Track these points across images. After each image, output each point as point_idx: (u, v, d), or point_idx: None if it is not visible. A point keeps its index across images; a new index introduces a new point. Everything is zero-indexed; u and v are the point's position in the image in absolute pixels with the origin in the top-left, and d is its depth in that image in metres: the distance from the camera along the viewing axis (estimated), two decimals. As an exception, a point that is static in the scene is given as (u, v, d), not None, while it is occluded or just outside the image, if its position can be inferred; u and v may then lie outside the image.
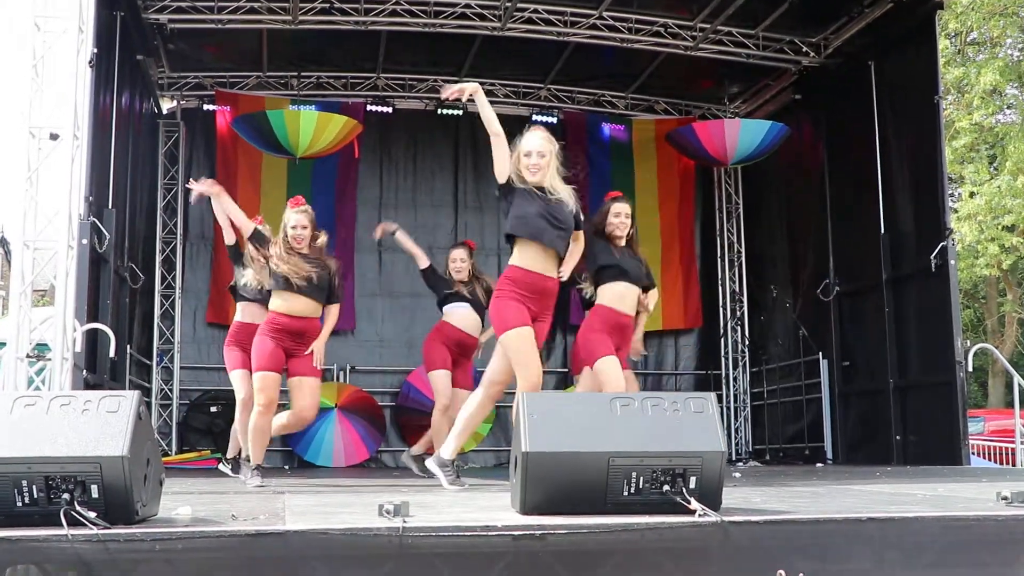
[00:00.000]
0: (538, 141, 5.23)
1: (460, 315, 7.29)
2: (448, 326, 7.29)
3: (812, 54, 10.78)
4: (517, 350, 5.05)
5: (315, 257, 6.07)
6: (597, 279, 6.08)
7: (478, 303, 7.27)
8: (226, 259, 11.18)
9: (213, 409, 10.99)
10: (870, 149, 9.78)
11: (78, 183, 6.99)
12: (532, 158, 5.17)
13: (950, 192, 16.14)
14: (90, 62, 7.11)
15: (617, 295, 6.01)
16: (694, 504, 3.14)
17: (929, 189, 9.05)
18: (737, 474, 6.92)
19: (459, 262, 7.35)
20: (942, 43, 17.09)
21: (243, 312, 7.09)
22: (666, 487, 3.24)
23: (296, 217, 6.04)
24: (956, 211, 18.49)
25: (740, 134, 10.27)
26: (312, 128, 9.74)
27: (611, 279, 6.03)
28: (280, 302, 6.00)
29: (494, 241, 11.82)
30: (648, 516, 3.11)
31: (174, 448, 10.91)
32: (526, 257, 5.14)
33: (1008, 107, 20.73)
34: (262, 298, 6.72)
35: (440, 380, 7.21)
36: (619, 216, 6.15)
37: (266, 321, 6.06)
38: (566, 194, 5.25)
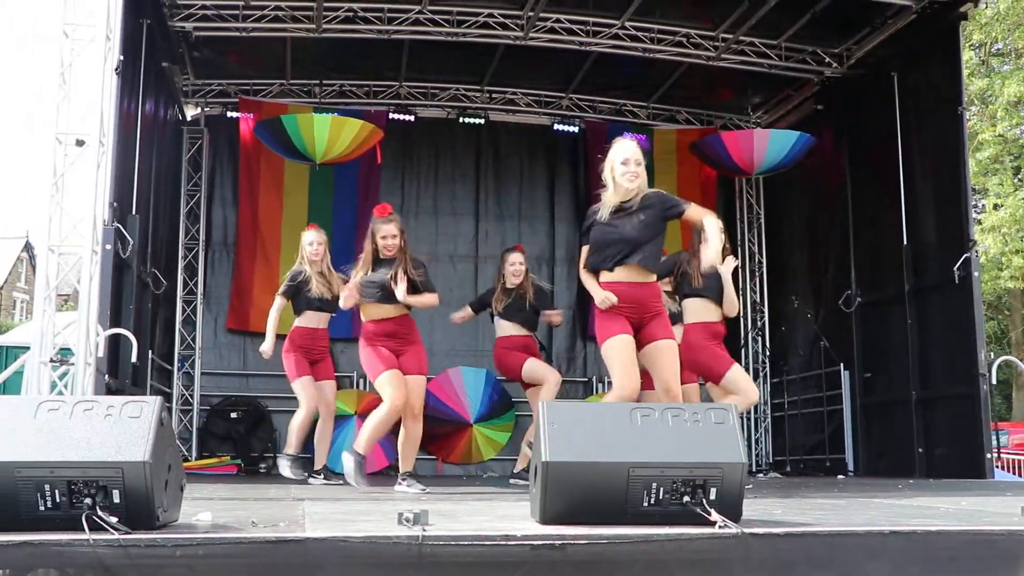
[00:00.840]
0: (633, 148, 5.29)
1: (509, 326, 7.67)
2: (505, 339, 7.67)
3: (834, 65, 10.74)
4: (611, 360, 5.21)
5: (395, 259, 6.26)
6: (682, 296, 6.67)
7: (524, 307, 7.62)
8: (248, 265, 11.32)
9: (233, 415, 11.04)
10: (892, 160, 9.73)
11: (103, 189, 7.04)
12: (630, 166, 5.21)
13: (974, 204, 16.02)
14: (116, 69, 7.17)
15: (701, 309, 6.61)
16: (714, 516, 3.13)
17: (952, 200, 8.99)
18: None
19: (518, 265, 7.67)
20: (966, 54, 17.03)
21: (307, 319, 7.37)
22: (686, 498, 3.23)
23: (387, 227, 6.15)
24: (980, 223, 18.37)
25: (768, 144, 10.22)
26: (326, 132, 9.75)
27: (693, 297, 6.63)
28: (372, 311, 6.23)
29: (515, 250, 11.84)
30: (668, 527, 3.10)
31: (194, 454, 10.96)
32: (619, 273, 5.24)
33: (1033, 118, 20.58)
34: (327, 307, 7.24)
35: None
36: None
37: (365, 333, 6.28)
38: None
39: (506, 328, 7.67)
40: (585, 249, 5.35)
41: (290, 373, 7.41)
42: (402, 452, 6.43)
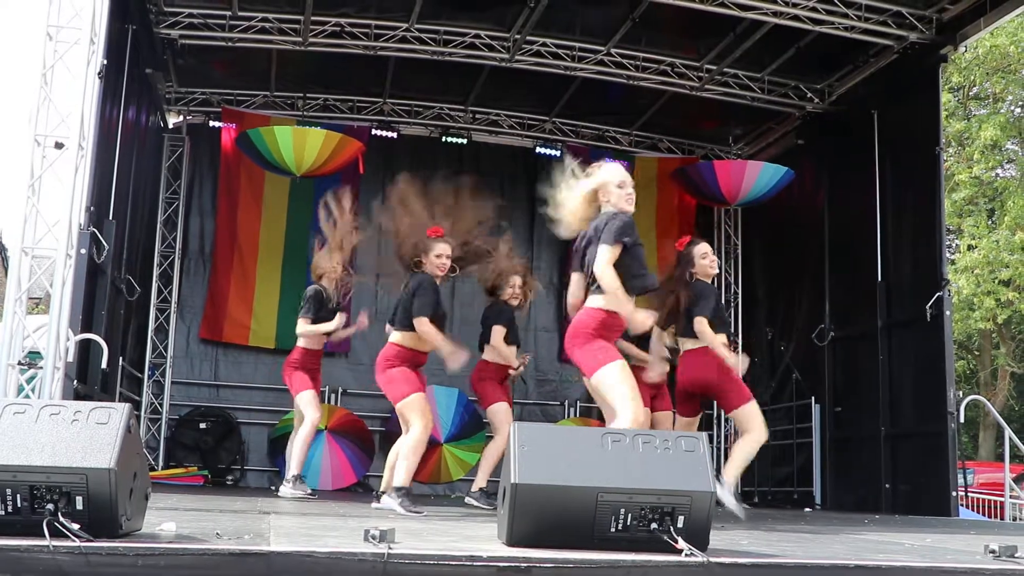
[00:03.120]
0: (624, 172, 5.15)
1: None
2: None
3: (816, 100, 10.86)
4: (622, 383, 4.88)
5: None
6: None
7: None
8: (224, 276, 11.26)
9: (202, 426, 10.95)
10: (870, 197, 9.83)
11: (80, 193, 6.98)
12: (626, 188, 5.10)
13: (948, 244, 16.21)
14: (99, 73, 7.13)
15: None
16: (681, 544, 3.13)
17: (927, 239, 9.09)
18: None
19: (517, 288, 7.41)
20: (945, 96, 17.24)
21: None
22: (654, 525, 3.23)
23: (443, 246, 6.09)
24: (954, 263, 18.56)
25: (758, 177, 10.29)
26: (290, 143, 9.67)
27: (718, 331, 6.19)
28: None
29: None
30: (634, 553, 3.10)
31: (161, 463, 10.85)
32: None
33: (1008, 162, 20.86)
34: None
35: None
36: (706, 257, 6.32)
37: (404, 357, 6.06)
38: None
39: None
40: (613, 255, 4.86)
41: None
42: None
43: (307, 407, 7.56)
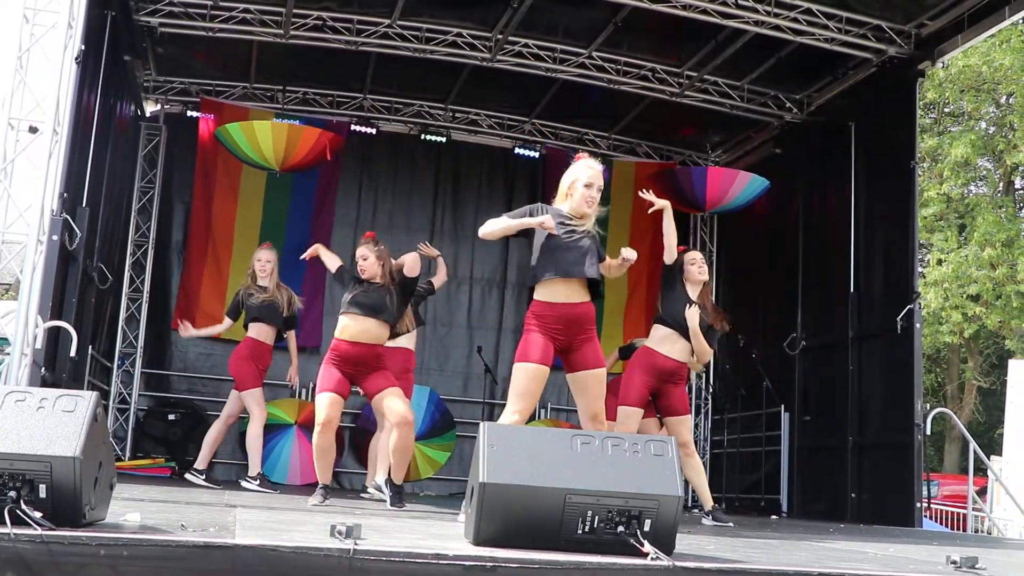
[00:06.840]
0: (599, 174, 5.31)
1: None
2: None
3: (795, 110, 10.93)
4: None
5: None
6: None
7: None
8: (197, 267, 11.19)
9: (171, 417, 10.86)
10: (844, 208, 9.90)
11: (54, 178, 6.92)
12: (592, 190, 5.24)
13: (919, 257, 16.34)
14: (77, 58, 7.06)
15: (658, 338, 6.74)
16: (647, 547, 3.14)
17: (899, 252, 9.17)
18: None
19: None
20: (920, 112, 17.37)
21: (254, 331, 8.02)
22: (620, 528, 3.24)
23: (359, 250, 6.44)
24: (924, 277, 18.72)
25: (744, 187, 10.32)
26: (244, 138, 9.56)
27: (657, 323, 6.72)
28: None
29: (467, 270, 11.92)
30: (600, 556, 3.11)
31: (128, 454, 10.76)
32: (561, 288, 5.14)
33: (979, 179, 21.08)
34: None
35: None
36: (695, 263, 6.87)
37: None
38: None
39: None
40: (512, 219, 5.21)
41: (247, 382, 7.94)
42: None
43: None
